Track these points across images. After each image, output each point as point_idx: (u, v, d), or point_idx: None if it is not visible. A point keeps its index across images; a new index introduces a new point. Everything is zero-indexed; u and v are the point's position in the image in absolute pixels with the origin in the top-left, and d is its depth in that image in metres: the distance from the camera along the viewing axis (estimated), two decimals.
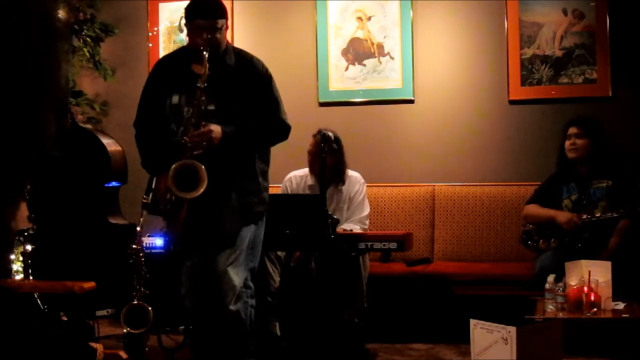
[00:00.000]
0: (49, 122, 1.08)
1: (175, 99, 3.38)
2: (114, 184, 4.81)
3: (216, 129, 3.27)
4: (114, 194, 4.86)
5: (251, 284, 3.44)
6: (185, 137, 3.24)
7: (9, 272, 3.15)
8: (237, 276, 3.35)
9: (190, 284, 3.47)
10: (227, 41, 3.47)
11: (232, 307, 3.33)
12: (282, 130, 3.49)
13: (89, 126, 5.21)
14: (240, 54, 3.49)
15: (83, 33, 4.96)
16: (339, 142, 4.46)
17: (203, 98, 3.26)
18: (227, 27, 3.41)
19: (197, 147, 3.24)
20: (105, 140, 4.81)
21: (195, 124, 3.24)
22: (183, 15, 3.48)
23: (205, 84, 3.24)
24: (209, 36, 3.30)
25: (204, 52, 3.27)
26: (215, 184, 3.25)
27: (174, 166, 3.19)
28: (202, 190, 3.18)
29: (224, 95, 3.35)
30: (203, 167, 3.18)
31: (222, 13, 3.36)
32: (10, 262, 3.28)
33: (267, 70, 3.49)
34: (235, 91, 3.37)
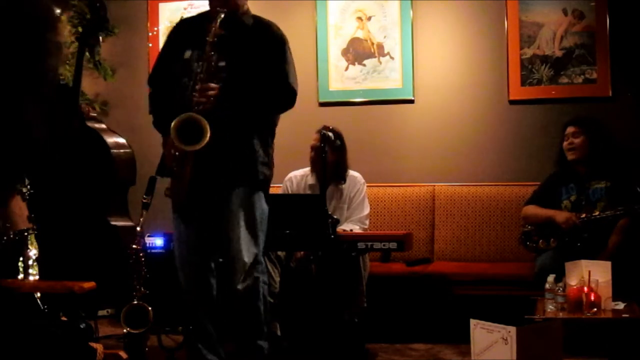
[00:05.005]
0: (37, 119, 1.08)
1: (187, 54, 3.41)
2: (123, 185, 4.80)
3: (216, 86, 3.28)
4: (123, 195, 4.85)
5: (262, 259, 3.42)
6: (194, 93, 3.25)
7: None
8: (247, 252, 3.34)
9: (189, 270, 3.45)
10: (248, 7, 3.50)
11: (240, 287, 3.32)
12: (288, 96, 3.44)
13: (102, 125, 5.06)
14: (259, 18, 3.53)
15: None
16: (341, 138, 4.44)
17: (212, 53, 3.27)
18: None
19: (200, 102, 3.23)
20: (112, 141, 4.77)
21: (205, 79, 3.25)
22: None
23: (215, 39, 3.26)
24: None
25: (220, 13, 3.29)
26: (221, 144, 3.25)
27: (175, 121, 3.19)
28: (205, 141, 3.17)
29: (236, 53, 3.36)
30: (204, 119, 3.17)
31: None
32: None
33: (283, 34, 3.50)
34: (248, 50, 3.38)
